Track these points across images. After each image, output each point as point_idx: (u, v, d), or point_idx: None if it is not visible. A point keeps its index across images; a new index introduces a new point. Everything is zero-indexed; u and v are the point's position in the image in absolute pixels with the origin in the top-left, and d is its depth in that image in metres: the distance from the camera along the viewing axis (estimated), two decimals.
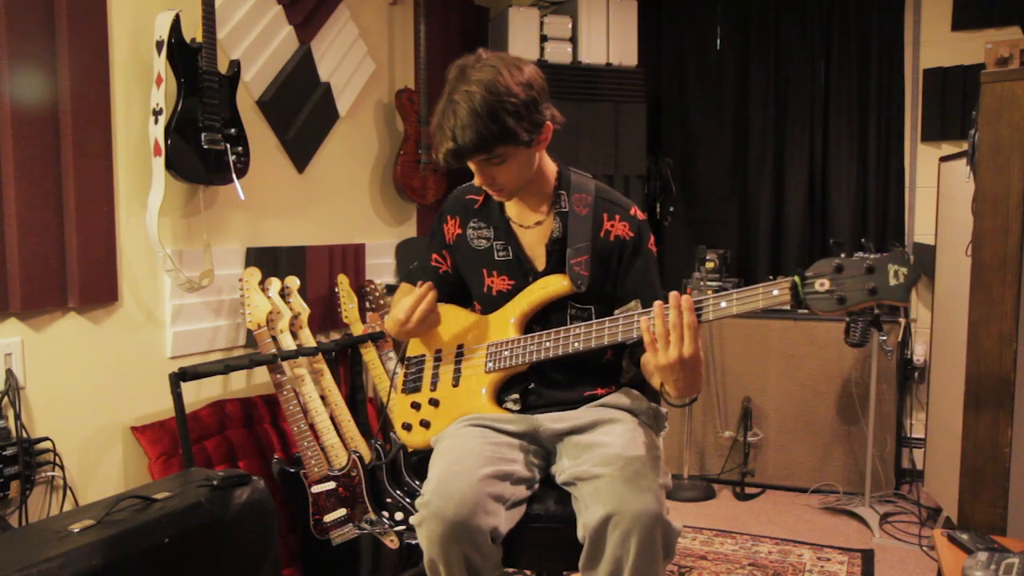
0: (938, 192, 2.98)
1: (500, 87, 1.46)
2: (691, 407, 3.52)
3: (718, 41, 3.96)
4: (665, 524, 1.36)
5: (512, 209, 1.68)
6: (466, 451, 1.50)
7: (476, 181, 1.59)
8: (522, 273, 1.66)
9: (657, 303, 1.33)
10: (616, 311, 1.49)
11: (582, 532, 1.38)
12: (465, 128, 1.44)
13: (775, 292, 1.26)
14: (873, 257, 1.19)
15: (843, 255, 1.21)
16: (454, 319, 1.79)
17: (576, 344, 1.51)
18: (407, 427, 1.78)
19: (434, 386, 1.75)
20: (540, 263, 1.65)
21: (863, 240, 1.23)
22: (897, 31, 3.60)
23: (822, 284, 1.22)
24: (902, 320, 3.34)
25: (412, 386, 1.79)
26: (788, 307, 1.25)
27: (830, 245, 1.24)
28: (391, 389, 1.86)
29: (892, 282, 1.18)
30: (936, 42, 3.53)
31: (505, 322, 1.66)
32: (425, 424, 1.73)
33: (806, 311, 3.43)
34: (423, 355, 1.79)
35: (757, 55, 3.86)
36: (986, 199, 1.91)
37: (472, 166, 1.55)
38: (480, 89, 1.45)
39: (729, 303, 1.30)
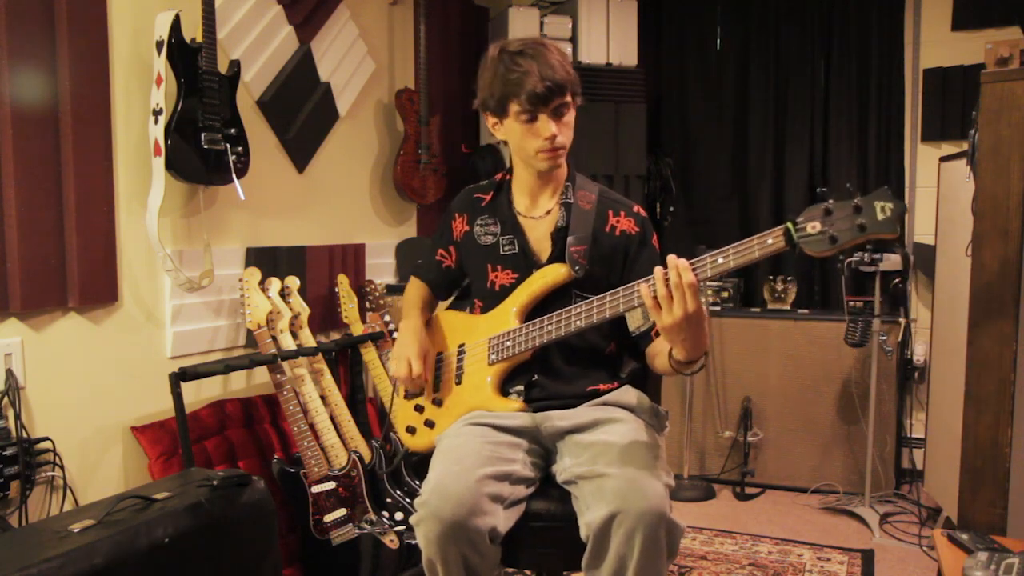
0: (938, 192, 2.98)
1: (556, 45, 1.62)
2: (691, 407, 3.52)
3: (718, 41, 3.97)
4: (669, 522, 1.36)
5: (522, 202, 1.72)
6: (465, 451, 1.50)
7: (539, 141, 1.58)
8: (526, 266, 1.68)
9: (657, 268, 1.36)
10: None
11: (585, 531, 1.38)
12: (553, 67, 1.55)
13: (769, 241, 1.30)
14: (859, 197, 1.23)
15: (831, 200, 1.24)
16: (455, 323, 1.81)
17: (579, 322, 1.52)
18: (411, 430, 1.79)
19: (436, 387, 1.76)
20: (545, 254, 1.68)
21: (848, 185, 1.26)
22: (897, 31, 3.60)
23: (814, 227, 1.25)
24: (902, 320, 3.34)
25: (414, 391, 1.80)
26: (782, 253, 1.30)
27: (817, 193, 1.28)
28: (393, 395, 1.87)
29: (880, 217, 1.21)
30: (936, 42, 3.53)
31: (506, 314, 1.67)
32: (430, 424, 1.74)
33: (806, 311, 3.45)
34: None
35: (757, 55, 3.86)
36: (986, 199, 1.91)
37: (542, 120, 1.57)
38: (553, 45, 1.60)
39: (726, 258, 1.33)
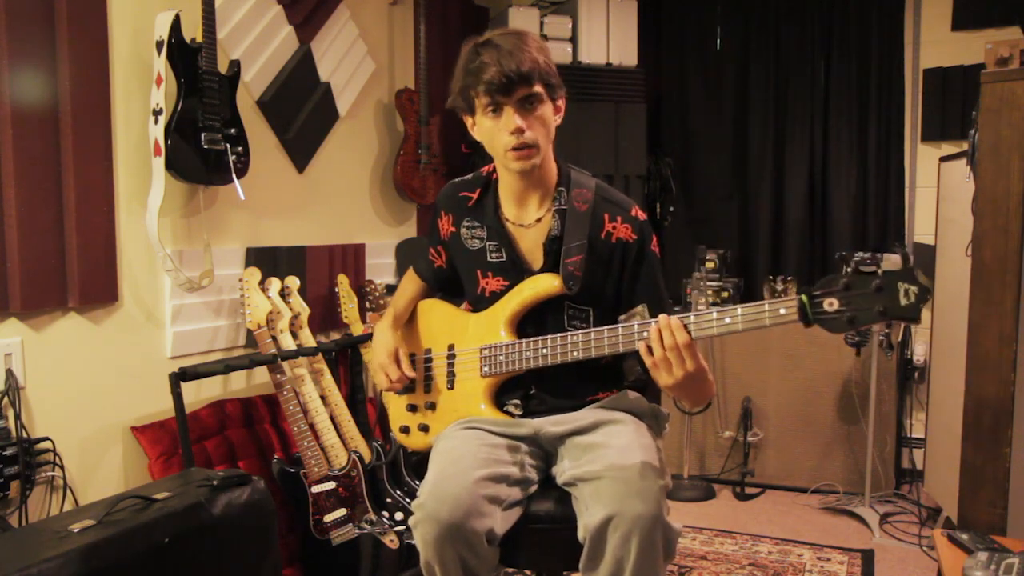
0: (938, 192, 2.98)
1: (534, 36, 1.52)
2: None
3: (718, 41, 3.97)
4: (665, 525, 1.35)
5: (511, 209, 1.64)
6: (461, 453, 1.49)
7: (506, 136, 1.49)
8: (517, 274, 1.62)
9: (653, 329, 1.33)
10: (621, 317, 1.46)
11: (583, 533, 1.38)
12: (512, 54, 1.45)
13: (782, 311, 1.25)
14: (882, 274, 1.17)
15: (848, 269, 1.20)
16: (442, 316, 1.77)
17: (575, 353, 1.49)
18: (405, 430, 1.78)
19: (428, 388, 1.74)
20: (537, 263, 1.62)
21: (867, 255, 1.22)
22: (897, 31, 3.60)
23: (831, 304, 1.20)
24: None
25: (405, 387, 1.78)
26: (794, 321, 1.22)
27: (835, 258, 1.24)
28: (380, 399, 1.85)
29: (903, 301, 1.15)
30: (936, 42, 3.53)
31: (495, 322, 1.62)
32: (423, 428, 1.72)
33: None
34: (412, 355, 1.78)
35: (757, 55, 3.86)
36: (986, 199, 1.91)
37: (507, 113, 1.48)
38: (520, 33, 1.51)
39: (734, 320, 1.29)
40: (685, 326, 1.32)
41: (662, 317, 1.32)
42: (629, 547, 1.32)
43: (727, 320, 1.29)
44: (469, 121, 1.59)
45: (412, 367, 1.74)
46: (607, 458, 1.44)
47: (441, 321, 1.76)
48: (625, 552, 1.33)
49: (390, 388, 1.73)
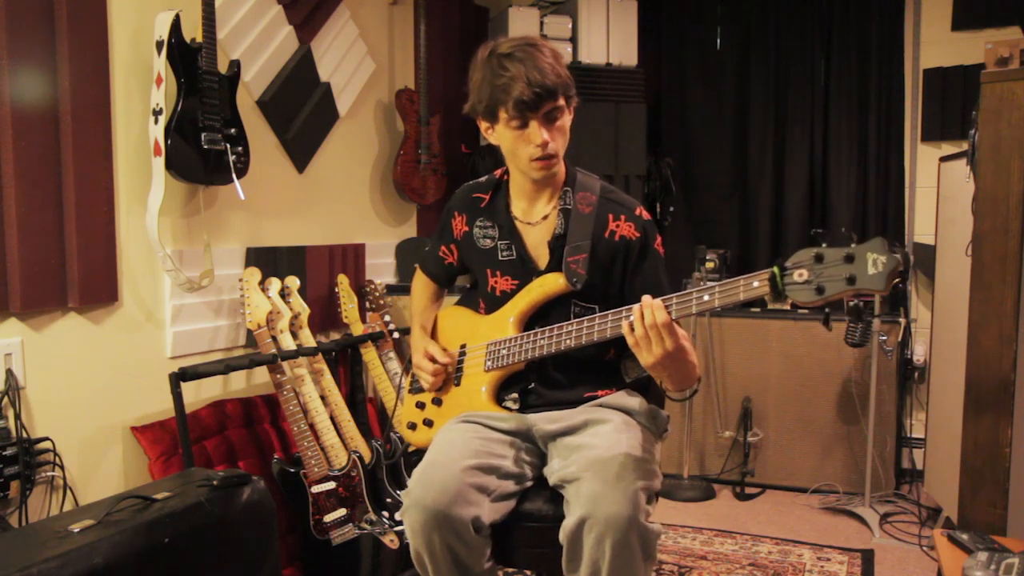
0: (938, 192, 2.98)
1: (548, 46, 1.56)
2: (691, 407, 3.52)
3: (718, 41, 3.97)
4: (640, 527, 1.35)
5: (519, 207, 1.69)
6: (454, 443, 1.51)
7: (532, 147, 1.54)
8: (525, 272, 1.66)
9: (635, 307, 1.35)
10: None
11: (561, 535, 1.39)
12: (539, 70, 1.49)
13: (755, 284, 1.27)
14: (853, 246, 1.17)
15: (824, 244, 1.20)
16: (458, 320, 1.81)
17: (568, 341, 1.51)
18: (412, 426, 1.81)
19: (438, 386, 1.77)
20: (543, 262, 1.66)
21: (843, 229, 1.23)
22: (897, 31, 3.60)
23: (800, 274, 1.21)
24: (902, 320, 3.34)
25: (418, 386, 1.82)
26: (768, 298, 1.25)
27: (811, 235, 1.24)
28: (397, 399, 1.89)
29: (870, 271, 1.15)
30: (936, 42, 3.53)
31: (505, 321, 1.66)
32: (428, 423, 1.75)
33: (806, 311, 3.44)
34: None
35: (757, 55, 3.86)
36: (986, 199, 1.91)
37: (533, 127, 1.52)
38: (537, 44, 1.54)
39: (711, 296, 1.32)
40: (666, 306, 1.34)
41: (645, 298, 1.35)
42: (603, 548, 1.33)
43: (704, 298, 1.33)
44: (484, 125, 1.62)
45: (445, 354, 1.75)
46: (588, 459, 1.45)
47: (457, 325, 1.81)
48: (600, 554, 1.33)
49: (432, 385, 1.74)
